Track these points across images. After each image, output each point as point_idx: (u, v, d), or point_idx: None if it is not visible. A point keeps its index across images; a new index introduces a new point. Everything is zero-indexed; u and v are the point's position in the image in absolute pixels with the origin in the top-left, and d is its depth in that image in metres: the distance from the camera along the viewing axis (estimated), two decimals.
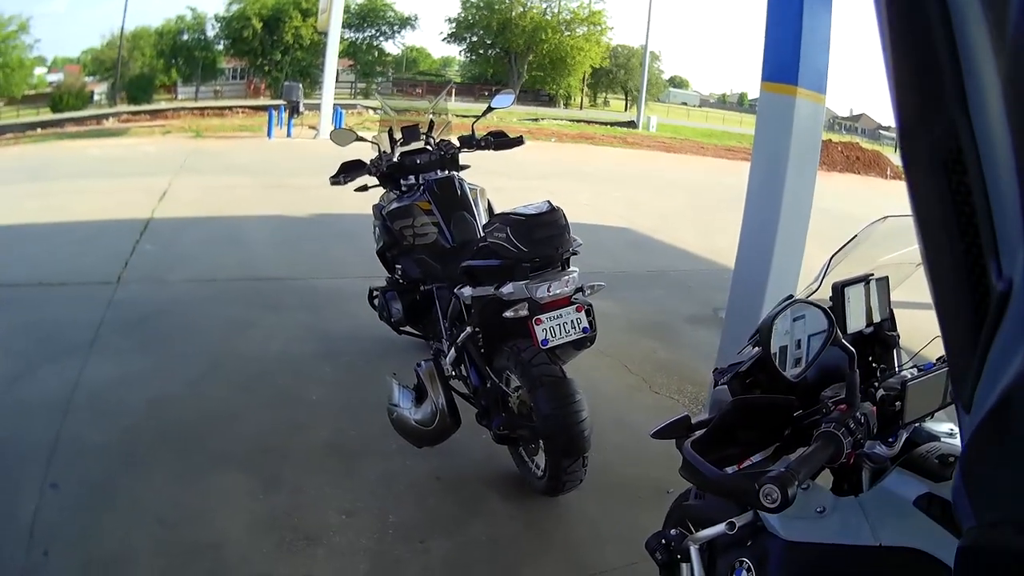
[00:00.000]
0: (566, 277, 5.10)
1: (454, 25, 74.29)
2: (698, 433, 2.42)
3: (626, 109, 78.84)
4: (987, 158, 0.96)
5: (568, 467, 5.06)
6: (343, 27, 43.78)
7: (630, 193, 21.29)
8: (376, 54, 68.89)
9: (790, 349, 2.35)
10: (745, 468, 2.44)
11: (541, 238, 5.02)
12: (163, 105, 48.35)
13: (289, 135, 30.20)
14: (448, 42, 77.65)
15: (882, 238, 2.81)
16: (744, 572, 2.55)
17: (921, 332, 2.76)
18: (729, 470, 2.38)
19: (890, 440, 2.38)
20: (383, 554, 4.71)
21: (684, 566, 2.82)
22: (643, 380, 7.72)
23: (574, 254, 5.25)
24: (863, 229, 2.80)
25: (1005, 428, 0.96)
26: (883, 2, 1.03)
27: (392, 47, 70.90)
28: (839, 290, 2.59)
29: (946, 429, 2.57)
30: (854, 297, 2.64)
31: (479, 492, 5.41)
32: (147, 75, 53.91)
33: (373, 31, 67.80)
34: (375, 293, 6.95)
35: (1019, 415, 0.93)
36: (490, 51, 75.08)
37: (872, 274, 2.75)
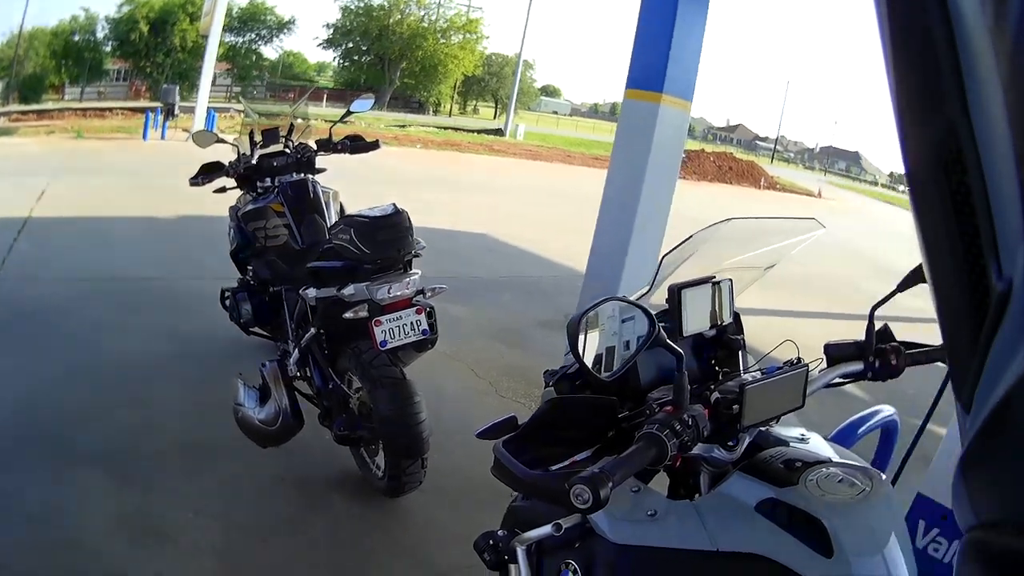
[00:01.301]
0: (407, 279, 5.11)
1: (332, 31, 73.82)
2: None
3: (495, 117, 78.94)
4: (987, 158, 0.93)
5: (408, 468, 5.07)
6: (225, 31, 43.35)
7: (491, 199, 21.48)
8: (254, 58, 67.87)
9: (618, 350, 2.27)
10: (560, 468, 2.29)
11: (383, 240, 5.02)
12: (50, 105, 47.37)
13: (163, 137, 29.76)
14: (324, 48, 76.62)
15: (727, 240, 2.76)
16: (570, 574, 2.44)
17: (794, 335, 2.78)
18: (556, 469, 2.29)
19: (730, 444, 2.32)
20: (228, 553, 4.65)
21: (512, 567, 2.69)
22: (490, 384, 7.74)
23: (416, 256, 5.25)
24: (701, 231, 2.69)
25: (1005, 428, 0.93)
26: (883, 2, 1.01)
27: (270, 51, 70.45)
28: (675, 292, 2.53)
29: (796, 434, 2.52)
30: (692, 299, 2.57)
31: (321, 492, 5.37)
32: (38, 75, 52.77)
33: (253, 35, 66.79)
34: (227, 294, 6.81)
35: (1019, 415, 0.91)
36: (364, 57, 74.47)
37: (714, 276, 2.69)
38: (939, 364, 2.93)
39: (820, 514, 2.05)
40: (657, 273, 2.63)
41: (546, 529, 2.45)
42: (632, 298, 2.45)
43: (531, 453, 2.22)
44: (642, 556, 2.25)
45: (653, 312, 2.34)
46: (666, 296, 2.55)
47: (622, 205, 9.28)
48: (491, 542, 2.70)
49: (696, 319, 2.58)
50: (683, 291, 2.52)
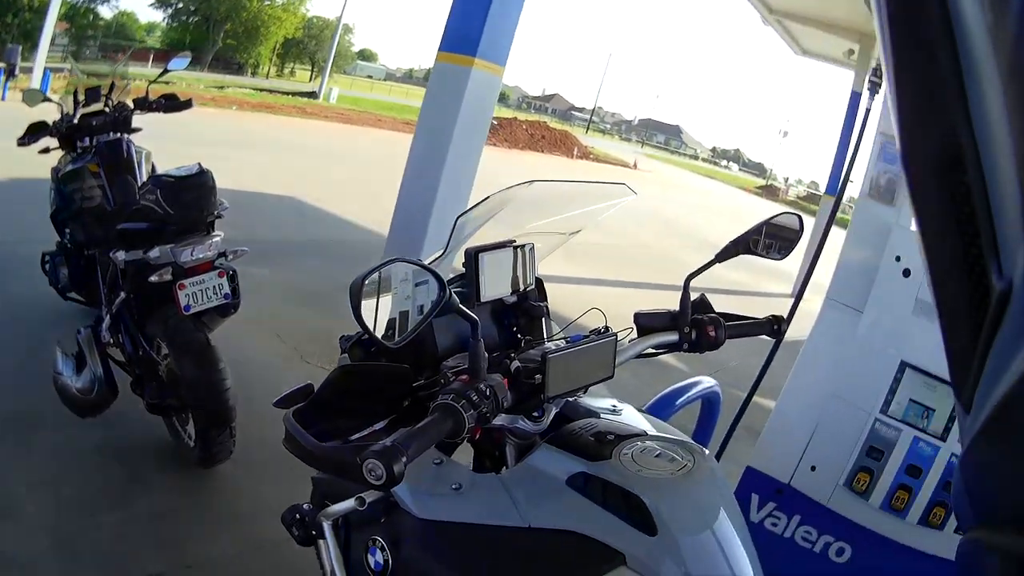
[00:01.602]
0: (209, 241, 5.02)
1: None
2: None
3: (311, 80, 78.51)
4: (987, 158, 0.91)
5: (217, 437, 4.97)
6: None
7: (300, 162, 21.23)
8: (91, 17, 65.64)
9: (411, 315, 2.09)
10: (358, 439, 2.19)
11: (187, 200, 4.94)
12: None
13: (3, 98, 28.35)
14: (156, 7, 75.30)
15: (530, 203, 2.67)
16: (378, 551, 2.28)
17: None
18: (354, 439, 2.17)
19: (535, 415, 2.21)
20: (61, 529, 4.43)
21: (321, 543, 2.54)
22: (295, 350, 7.67)
23: (219, 217, 5.16)
24: (500, 191, 2.58)
25: (1005, 428, 0.90)
26: (883, 3, 0.98)
27: (107, 11, 68.78)
28: (472, 255, 2.44)
29: (607, 405, 2.44)
30: (491, 263, 2.49)
31: (140, 464, 5.18)
32: None
33: None
34: (46, 258, 6.65)
35: (1019, 415, 0.86)
36: (192, 18, 72.97)
37: (515, 240, 2.59)
38: (763, 337, 2.92)
39: (638, 490, 1.99)
40: (452, 234, 2.52)
41: (349, 503, 2.31)
42: (426, 261, 2.34)
43: (325, 424, 2.11)
44: (450, 532, 2.12)
45: (449, 276, 2.31)
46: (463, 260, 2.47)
47: (427, 168, 9.27)
48: (298, 516, 2.59)
49: (495, 284, 2.53)
50: (481, 255, 2.46)
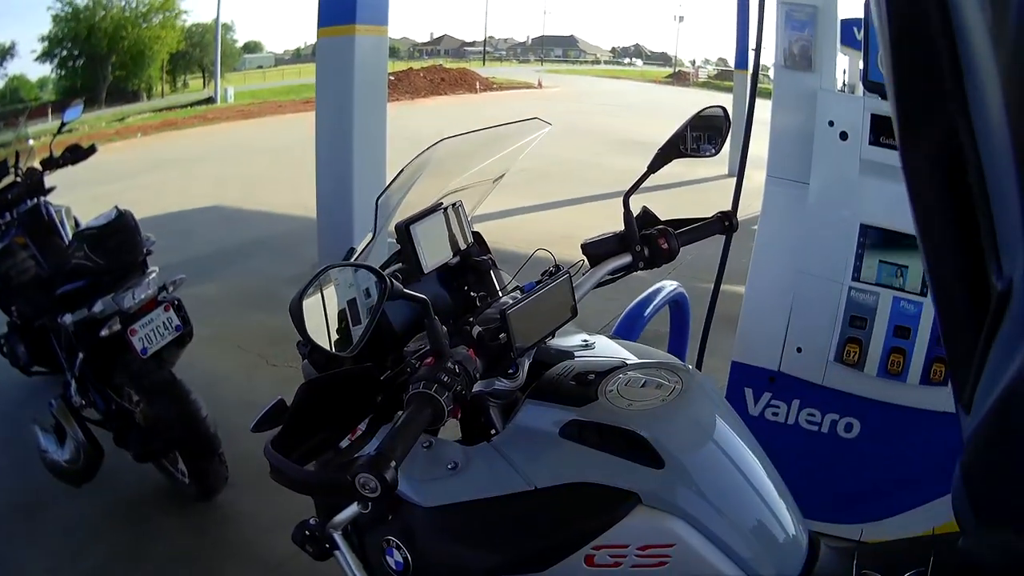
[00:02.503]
0: (146, 280, 5.00)
1: (47, 43, 71.02)
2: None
3: (204, 86, 78.18)
4: (987, 158, 0.93)
5: (208, 468, 5.02)
6: None
7: (213, 169, 20.94)
8: None
9: (360, 300, 2.01)
10: (341, 450, 2.10)
11: (114, 247, 4.97)
12: None
13: None
14: (41, 61, 73.78)
15: (446, 161, 2.54)
16: (395, 551, 2.20)
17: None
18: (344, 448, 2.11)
19: (510, 372, 2.13)
20: None
21: (337, 554, 2.34)
22: (259, 356, 7.60)
23: (148, 254, 5.15)
24: (412, 160, 2.43)
25: (1005, 428, 0.94)
26: (883, 2, 1.01)
27: None
28: (404, 230, 2.33)
29: (579, 341, 2.39)
30: (425, 233, 2.38)
31: (146, 515, 5.16)
32: None
33: None
34: (1, 340, 6.55)
35: (1019, 415, 0.91)
36: (77, 62, 71.92)
37: (442, 203, 2.51)
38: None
39: (633, 426, 1.94)
40: (376, 217, 2.41)
41: (354, 508, 2.13)
42: (359, 248, 2.37)
43: (305, 443, 2.01)
44: (460, 513, 2.06)
45: (385, 256, 2.29)
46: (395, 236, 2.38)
47: (337, 144, 9.38)
48: (307, 532, 2.36)
49: (435, 252, 2.42)
50: (412, 227, 2.35)
